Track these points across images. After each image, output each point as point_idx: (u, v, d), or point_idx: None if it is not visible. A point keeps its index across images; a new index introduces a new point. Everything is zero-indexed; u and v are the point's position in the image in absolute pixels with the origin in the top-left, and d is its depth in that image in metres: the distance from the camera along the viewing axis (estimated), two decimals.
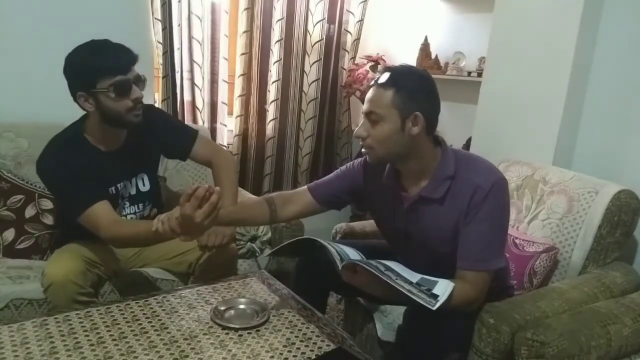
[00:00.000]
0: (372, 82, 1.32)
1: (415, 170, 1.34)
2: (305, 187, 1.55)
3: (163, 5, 2.29)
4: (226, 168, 1.71)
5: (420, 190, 1.33)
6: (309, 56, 2.83)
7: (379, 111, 1.26)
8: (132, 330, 1.22)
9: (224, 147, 2.65)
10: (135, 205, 1.67)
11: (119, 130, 1.56)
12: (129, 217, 1.65)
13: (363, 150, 1.34)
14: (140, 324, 1.25)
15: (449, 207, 1.30)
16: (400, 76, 1.27)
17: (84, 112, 1.56)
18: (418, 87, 1.28)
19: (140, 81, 1.48)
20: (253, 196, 2.18)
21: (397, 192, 1.38)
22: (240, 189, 2.35)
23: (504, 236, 1.33)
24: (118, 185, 1.60)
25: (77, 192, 1.46)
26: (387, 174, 1.40)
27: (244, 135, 2.74)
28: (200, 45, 2.48)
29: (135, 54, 1.47)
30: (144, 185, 1.68)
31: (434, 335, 1.26)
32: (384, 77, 1.27)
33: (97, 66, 1.41)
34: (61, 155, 1.49)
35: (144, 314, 1.31)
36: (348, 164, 1.54)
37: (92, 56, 1.42)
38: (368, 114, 1.28)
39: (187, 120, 2.53)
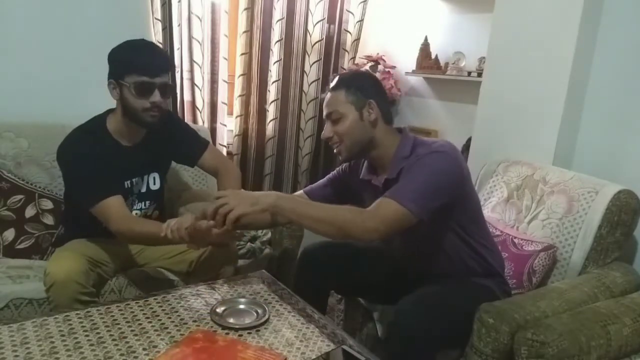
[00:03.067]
0: (325, 91, 1.47)
1: (380, 157, 1.46)
2: (301, 191, 1.66)
3: (163, 5, 2.28)
4: (231, 176, 1.77)
5: (386, 175, 1.44)
6: (309, 56, 2.82)
7: (338, 109, 1.41)
8: (132, 330, 1.22)
9: (224, 147, 2.66)
10: (143, 202, 1.71)
11: (138, 127, 1.61)
12: (134, 212, 1.68)
13: (334, 150, 1.46)
14: (140, 324, 1.25)
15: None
16: (347, 77, 1.46)
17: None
18: (364, 82, 1.45)
19: (167, 89, 1.56)
20: None
21: (374, 183, 1.49)
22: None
23: (429, 191, 1.30)
24: (133, 179, 1.66)
25: (95, 183, 1.51)
26: (365, 168, 1.53)
27: (244, 135, 2.74)
28: (200, 45, 2.48)
29: (171, 64, 1.54)
30: (154, 184, 1.73)
31: (425, 331, 1.27)
32: (334, 82, 1.45)
33: (127, 61, 1.51)
34: (83, 145, 1.55)
35: (144, 314, 1.31)
36: (337, 169, 1.65)
37: (128, 51, 1.52)
38: (329, 115, 1.44)
39: (187, 120, 2.53)
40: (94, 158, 1.51)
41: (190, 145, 1.78)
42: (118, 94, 1.53)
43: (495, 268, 1.51)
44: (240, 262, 1.89)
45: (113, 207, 1.50)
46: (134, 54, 1.51)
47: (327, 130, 1.44)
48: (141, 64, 1.50)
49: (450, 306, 1.38)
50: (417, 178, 1.31)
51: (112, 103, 1.61)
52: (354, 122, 1.40)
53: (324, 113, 1.46)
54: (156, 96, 1.52)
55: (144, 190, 1.70)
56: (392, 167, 1.42)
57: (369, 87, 1.43)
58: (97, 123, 1.61)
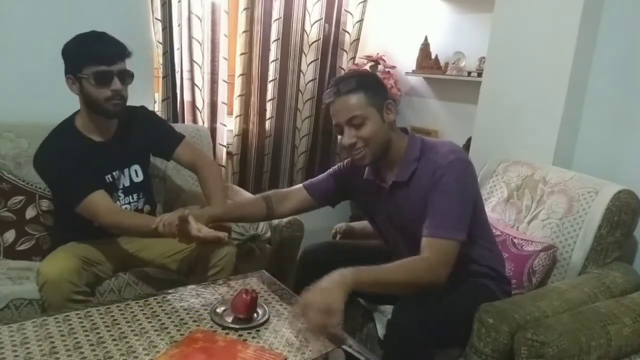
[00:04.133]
0: (333, 95, 1.37)
1: (391, 158, 1.44)
2: (300, 185, 1.65)
3: (163, 5, 2.28)
4: (210, 172, 1.77)
5: (394, 177, 1.43)
6: (305, 56, 2.82)
7: (361, 113, 1.35)
8: (132, 330, 1.22)
9: (224, 147, 2.66)
10: (130, 196, 1.72)
11: (106, 120, 1.62)
12: (124, 207, 1.69)
13: (355, 156, 1.40)
14: (140, 324, 1.26)
15: (413, 187, 1.39)
16: (363, 79, 1.39)
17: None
18: (375, 82, 1.43)
19: (126, 76, 1.57)
20: (252, 195, 2.19)
21: (377, 183, 1.48)
22: (240, 188, 2.36)
23: (465, 210, 1.35)
24: (113, 173, 1.66)
25: (74, 182, 1.52)
26: (368, 171, 1.51)
27: (243, 135, 2.74)
28: (200, 45, 2.47)
29: (128, 51, 1.56)
30: (137, 176, 1.74)
31: (424, 330, 1.27)
32: (349, 85, 1.36)
33: (83, 53, 1.52)
34: (55, 146, 1.57)
35: (144, 314, 1.31)
36: (339, 164, 1.63)
37: (82, 44, 1.52)
38: (350, 121, 1.36)
39: (187, 120, 2.53)
40: (69, 158, 1.53)
41: (164, 138, 1.80)
42: (78, 88, 1.55)
43: (495, 268, 1.51)
44: (240, 262, 1.89)
45: (98, 201, 1.51)
46: (87, 46, 1.52)
47: (349, 136, 1.36)
48: (97, 54, 1.51)
49: (450, 306, 1.38)
50: (449, 201, 1.32)
51: None
52: (377, 125, 1.36)
53: (343, 118, 1.36)
54: (116, 84, 1.53)
55: (127, 183, 1.71)
56: (403, 168, 1.41)
57: (380, 86, 1.42)
58: (66, 124, 1.63)
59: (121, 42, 1.56)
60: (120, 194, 1.69)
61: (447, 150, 1.38)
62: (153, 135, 1.77)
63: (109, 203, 1.54)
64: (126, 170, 1.71)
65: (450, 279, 1.46)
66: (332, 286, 1.19)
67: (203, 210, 1.57)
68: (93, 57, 1.51)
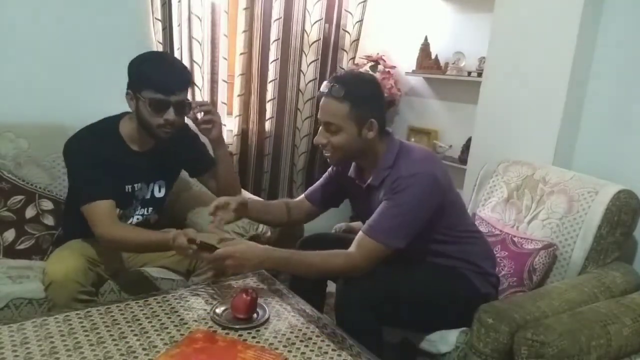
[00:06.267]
0: (324, 91, 1.39)
1: (369, 163, 1.48)
2: (302, 196, 1.71)
3: (163, 5, 2.28)
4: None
5: (370, 180, 1.47)
6: (306, 56, 2.82)
7: (338, 122, 1.37)
8: (132, 330, 1.22)
9: None
10: (145, 209, 1.71)
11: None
12: (136, 217, 1.69)
13: (324, 154, 1.45)
14: (140, 324, 1.26)
15: (381, 192, 1.42)
16: (354, 88, 1.37)
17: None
18: (369, 96, 1.40)
19: (183, 107, 1.54)
20: (254, 196, 2.20)
21: (358, 183, 1.52)
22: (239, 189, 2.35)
23: (410, 222, 1.37)
24: (135, 185, 1.64)
25: (92, 182, 1.51)
26: (352, 169, 1.56)
27: (243, 135, 2.74)
28: (200, 45, 2.47)
29: (188, 80, 1.55)
30: (159, 191, 1.74)
31: (369, 300, 1.33)
32: (339, 91, 1.35)
33: (145, 77, 1.49)
34: (91, 141, 1.55)
35: (144, 314, 1.31)
36: (331, 167, 1.66)
37: (147, 66, 1.50)
38: (327, 124, 1.39)
39: (187, 121, 2.53)
40: (96, 158, 1.51)
41: (196, 161, 1.79)
42: (134, 105, 1.53)
43: (474, 262, 1.52)
44: None
45: (101, 210, 1.48)
46: (152, 70, 1.49)
47: (322, 137, 1.41)
48: (158, 81, 1.47)
49: (408, 286, 1.40)
50: (396, 211, 1.35)
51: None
52: (351, 139, 1.39)
53: (322, 118, 1.40)
54: (170, 114, 1.50)
55: (148, 196, 1.70)
56: (376, 175, 1.45)
57: (373, 101, 1.41)
58: (109, 124, 1.61)
59: (187, 71, 1.55)
60: (138, 204, 1.68)
61: (414, 161, 1.40)
62: (187, 156, 1.77)
63: (111, 215, 1.51)
64: (151, 184, 1.70)
65: (419, 269, 1.48)
66: (252, 262, 1.30)
67: (230, 199, 1.54)
68: (153, 83, 1.47)
